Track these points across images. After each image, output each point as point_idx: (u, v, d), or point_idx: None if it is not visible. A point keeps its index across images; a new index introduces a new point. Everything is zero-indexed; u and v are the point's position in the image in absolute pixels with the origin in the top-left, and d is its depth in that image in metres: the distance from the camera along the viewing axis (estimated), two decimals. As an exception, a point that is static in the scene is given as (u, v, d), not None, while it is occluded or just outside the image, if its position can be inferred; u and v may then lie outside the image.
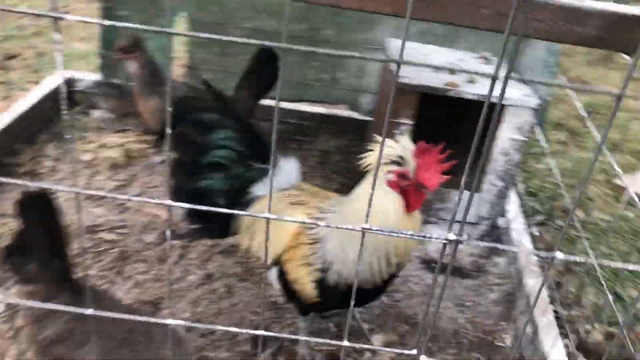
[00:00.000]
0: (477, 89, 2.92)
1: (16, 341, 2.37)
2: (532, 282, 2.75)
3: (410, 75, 2.93)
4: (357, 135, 3.87)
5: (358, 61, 3.73)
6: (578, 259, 0.93)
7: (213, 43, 3.74)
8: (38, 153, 3.45)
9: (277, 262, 2.21)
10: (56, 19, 0.74)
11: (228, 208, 2.19)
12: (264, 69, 3.16)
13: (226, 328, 1.00)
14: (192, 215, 2.39)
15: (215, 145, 2.24)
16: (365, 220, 0.88)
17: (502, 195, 3.13)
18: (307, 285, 2.12)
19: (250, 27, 3.63)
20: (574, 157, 4.27)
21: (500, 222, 3.22)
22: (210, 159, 2.25)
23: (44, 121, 3.63)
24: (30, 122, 3.48)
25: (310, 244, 2.10)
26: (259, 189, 2.31)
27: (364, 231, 0.87)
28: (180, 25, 3.78)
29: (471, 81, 3.01)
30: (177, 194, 2.25)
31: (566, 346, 2.62)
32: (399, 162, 1.94)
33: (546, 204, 3.66)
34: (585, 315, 2.86)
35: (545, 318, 2.53)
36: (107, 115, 3.92)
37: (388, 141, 1.96)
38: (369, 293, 2.14)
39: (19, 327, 2.22)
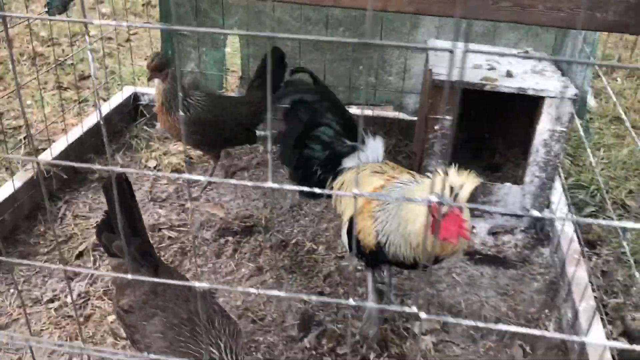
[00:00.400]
0: (514, 83, 2.98)
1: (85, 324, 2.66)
2: (574, 269, 2.77)
3: (446, 72, 3.03)
4: (404, 134, 3.98)
5: (402, 63, 3.86)
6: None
7: (262, 54, 3.97)
8: (108, 162, 3.78)
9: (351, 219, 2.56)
10: (86, 24, 0.94)
11: (323, 175, 2.75)
12: (275, 69, 3.34)
13: (265, 291, 1.16)
14: (295, 176, 2.81)
15: (319, 123, 2.71)
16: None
17: (545, 187, 3.16)
18: (368, 236, 2.40)
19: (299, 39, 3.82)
20: (630, 150, 4.19)
21: (545, 213, 3.24)
22: (314, 134, 2.72)
23: (113, 133, 3.97)
24: (100, 134, 3.83)
25: (377, 205, 2.41)
26: (349, 161, 2.72)
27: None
28: (232, 40, 4.04)
29: (509, 75, 3.07)
30: (284, 158, 2.82)
31: (610, 332, 2.63)
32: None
33: (597, 196, 3.63)
34: (633, 302, 2.84)
35: (585, 303, 2.55)
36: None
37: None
38: (405, 264, 2.39)
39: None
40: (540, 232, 3.29)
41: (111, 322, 2.68)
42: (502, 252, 3.18)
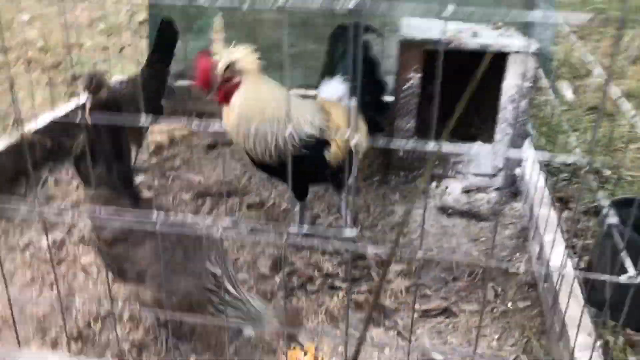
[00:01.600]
0: (478, 41, 3.11)
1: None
2: (543, 210, 2.80)
3: (414, 33, 3.17)
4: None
5: (379, 44, 3.99)
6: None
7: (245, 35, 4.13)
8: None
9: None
10: None
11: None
12: (168, 39, 3.49)
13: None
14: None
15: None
16: None
17: (515, 145, 3.23)
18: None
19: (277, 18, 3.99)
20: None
21: (517, 171, 3.30)
22: None
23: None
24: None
25: None
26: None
27: None
28: (216, 25, 4.22)
29: (475, 35, 3.20)
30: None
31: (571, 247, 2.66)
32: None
33: (570, 165, 3.69)
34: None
35: (549, 235, 2.58)
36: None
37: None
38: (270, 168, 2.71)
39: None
40: (513, 187, 3.33)
41: (84, 263, 2.72)
42: (475, 207, 3.22)
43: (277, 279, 2.66)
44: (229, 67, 2.53)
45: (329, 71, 3.00)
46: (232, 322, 2.01)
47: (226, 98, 2.57)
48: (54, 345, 2.24)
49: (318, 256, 2.82)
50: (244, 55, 2.55)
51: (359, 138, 2.88)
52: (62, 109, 3.80)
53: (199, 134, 4.02)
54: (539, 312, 2.51)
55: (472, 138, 3.38)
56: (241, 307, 1.99)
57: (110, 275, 2.61)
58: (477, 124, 3.64)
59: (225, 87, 2.55)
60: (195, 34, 4.22)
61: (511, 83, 3.11)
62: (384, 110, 3.09)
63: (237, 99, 2.55)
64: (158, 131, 4.02)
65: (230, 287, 1.99)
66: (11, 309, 1.47)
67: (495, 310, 2.55)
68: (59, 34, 5.87)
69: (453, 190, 3.34)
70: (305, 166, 2.59)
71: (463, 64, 3.40)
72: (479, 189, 3.35)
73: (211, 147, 3.89)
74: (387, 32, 3.92)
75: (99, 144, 2.18)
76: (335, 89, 2.92)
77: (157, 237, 2.04)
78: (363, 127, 2.92)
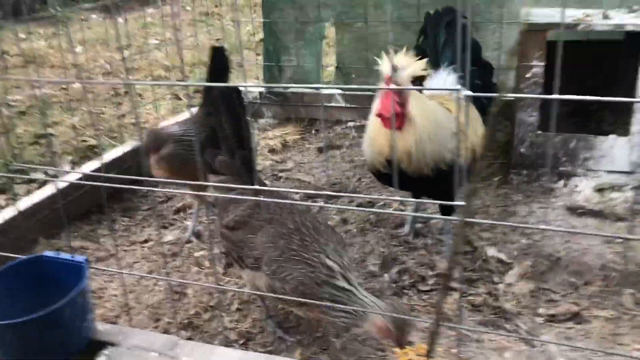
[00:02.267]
0: (610, 22, 2.82)
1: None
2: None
3: (538, 16, 2.94)
4: (502, 111, 3.84)
5: (497, 37, 3.77)
6: None
7: (358, 44, 4.09)
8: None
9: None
10: None
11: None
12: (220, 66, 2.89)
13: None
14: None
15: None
16: None
17: (656, 137, 2.88)
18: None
19: (392, 20, 3.90)
20: None
21: (659, 167, 2.94)
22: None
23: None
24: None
25: None
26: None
27: None
28: (328, 30, 4.23)
29: (606, 17, 2.91)
30: None
31: None
32: None
33: None
34: None
35: None
36: (271, 121, 4.41)
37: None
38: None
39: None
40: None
41: (197, 257, 2.76)
42: (609, 207, 2.89)
43: (387, 277, 2.54)
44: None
45: (432, 62, 2.77)
46: (339, 316, 1.91)
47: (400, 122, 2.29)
48: (165, 332, 2.27)
49: (433, 256, 2.66)
50: (411, 64, 2.22)
51: (476, 140, 2.62)
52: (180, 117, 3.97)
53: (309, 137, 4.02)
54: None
55: (604, 134, 3.05)
56: (352, 301, 1.87)
57: (222, 267, 2.65)
58: (611, 118, 3.31)
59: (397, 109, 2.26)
60: (308, 39, 4.25)
61: (650, 67, 2.78)
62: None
63: (414, 113, 2.28)
64: (272, 136, 4.08)
65: (343, 282, 1.89)
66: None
67: (635, 318, 2.24)
68: (185, 56, 6.21)
69: (584, 188, 3.03)
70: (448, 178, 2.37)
71: (595, 53, 3.13)
72: (614, 187, 3.01)
73: (321, 150, 3.87)
74: (505, 23, 3.71)
75: (222, 134, 2.24)
76: (443, 80, 2.72)
77: (275, 223, 2.03)
78: (478, 120, 2.70)
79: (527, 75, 2.95)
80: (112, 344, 1.81)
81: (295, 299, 1.83)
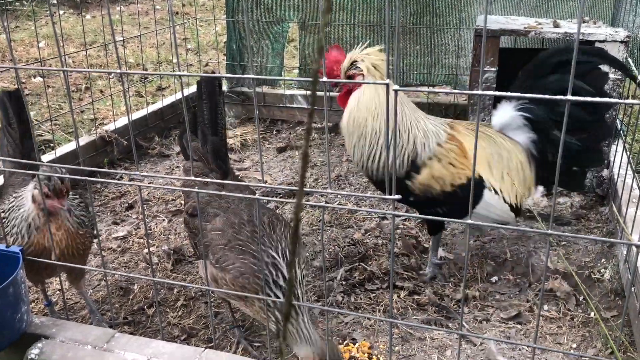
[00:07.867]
0: (560, 30, 2.89)
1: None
2: (632, 211, 2.52)
3: (491, 23, 3.00)
4: (460, 112, 3.90)
5: (456, 42, 3.84)
6: None
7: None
8: (168, 142, 4.00)
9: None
10: None
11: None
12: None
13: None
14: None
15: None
16: None
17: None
18: None
19: (356, 23, 3.93)
20: None
21: (604, 173, 3.01)
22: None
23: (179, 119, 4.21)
24: (165, 118, 4.08)
25: None
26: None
27: None
28: (292, 30, 4.23)
29: (556, 26, 2.98)
30: None
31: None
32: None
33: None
34: None
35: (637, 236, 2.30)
36: (232, 120, 4.40)
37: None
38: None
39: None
40: (600, 189, 3.03)
41: (145, 253, 2.74)
42: (557, 211, 2.96)
43: (335, 274, 2.55)
44: (353, 64, 2.28)
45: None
46: (273, 321, 1.87)
47: (345, 98, 2.35)
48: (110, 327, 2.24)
49: (383, 257, 2.68)
50: (369, 55, 2.27)
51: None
52: (139, 114, 3.93)
53: (269, 138, 4.02)
54: (626, 322, 2.22)
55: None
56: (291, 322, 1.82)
57: (171, 263, 2.63)
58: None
59: (347, 86, 2.34)
60: (272, 39, 4.25)
61: (597, 75, 2.85)
62: None
63: (352, 101, 2.32)
64: (231, 135, 4.07)
65: (283, 283, 1.84)
66: (62, 291, 1.45)
67: (575, 318, 2.30)
68: (151, 53, 6.15)
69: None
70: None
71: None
72: (561, 193, 3.08)
73: (281, 150, 3.87)
74: (464, 30, 3.78)
75: (200, 119, 2.26)
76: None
77: (230, 213, 2.01)
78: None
79: (479, 81, 3.00)
80: (47, 337, 1.77)
81: (233, 292, 1.81)
